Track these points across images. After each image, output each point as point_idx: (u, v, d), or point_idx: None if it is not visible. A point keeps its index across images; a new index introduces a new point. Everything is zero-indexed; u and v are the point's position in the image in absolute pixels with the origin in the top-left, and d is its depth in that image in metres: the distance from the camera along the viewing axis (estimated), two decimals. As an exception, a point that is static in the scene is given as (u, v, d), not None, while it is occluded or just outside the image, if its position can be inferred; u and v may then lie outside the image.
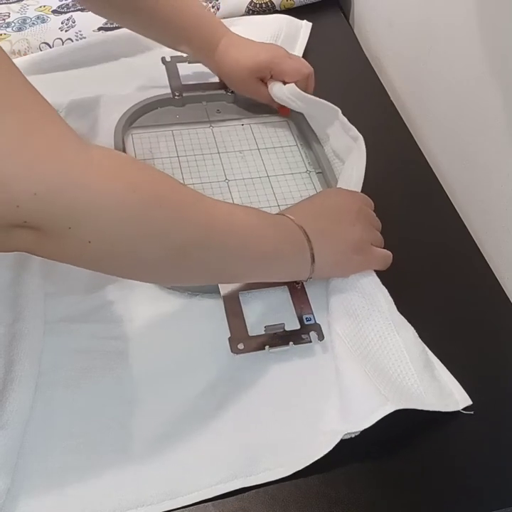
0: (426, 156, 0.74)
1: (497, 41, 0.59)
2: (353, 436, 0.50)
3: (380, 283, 0.58)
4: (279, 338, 0.56)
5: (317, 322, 0.57)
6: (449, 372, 0.55)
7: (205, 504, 0.48)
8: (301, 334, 0.56)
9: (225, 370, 0.54)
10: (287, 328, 0.56)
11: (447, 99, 0.71)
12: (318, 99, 0.72)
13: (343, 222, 0.57)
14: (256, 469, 0.49)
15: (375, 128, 0.74)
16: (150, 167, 0.47)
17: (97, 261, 0.45)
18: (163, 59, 0.82)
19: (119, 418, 0.51)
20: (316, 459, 0.49)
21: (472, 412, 0.52)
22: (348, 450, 0.50)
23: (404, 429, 0.52)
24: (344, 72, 0.81)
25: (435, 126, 0.75)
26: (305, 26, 0.87)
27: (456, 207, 0.69)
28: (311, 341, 0.56)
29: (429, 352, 0.56)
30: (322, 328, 0.57)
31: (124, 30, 0.84)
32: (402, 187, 0.69)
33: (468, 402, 0.53)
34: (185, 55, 0.82)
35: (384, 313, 0.56)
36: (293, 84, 0.73)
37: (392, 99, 0.81)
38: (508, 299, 0.62)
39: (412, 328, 0.56)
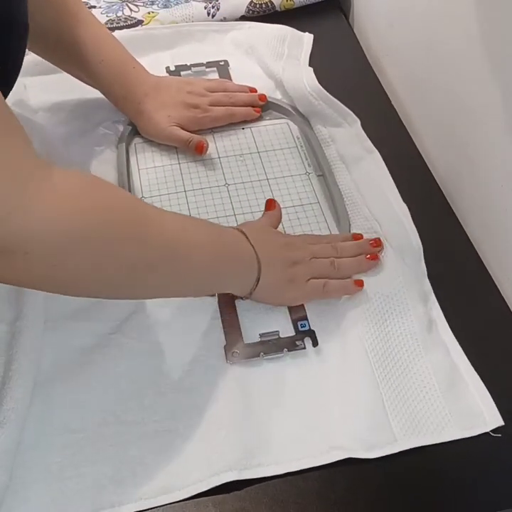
0: (424, 157, 0.74)
1: (497, 41, 0.59)
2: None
3: (417, 298, 0.58)
4: (273, 345, 0.56)
5: (312, 328, 0.58)
6: (484, 389, 0.54)
7: (206, 503, 0.49)
8: (295, 341, 0.57)
9: (221, 367, 0.55)
10: (282, 335, 0.57)
11: (447, 100, 0.70)
12: (338, 101, 0.74)
13: (287, 257, 0.58)
14: (250, 463, 0.50)
15: (373, 128, 0.74)
16: (110, 188, 0.48)
17: (61, 284, 0.45)
18: (167, 68, 0.83)
19: (117, 413, 0.53)
20: (312, 466, 0.50)
21: (500, 435, 0.51)
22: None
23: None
24: (344, 72, 0.81)
25: (434, 126, 0.74)
26: (307, 37, 0.87)
27: (454, 208, 0.69)
28: (305, 348, 0.56)
29: (466, 366, 0.55)
30: (317, 335, 0.57)
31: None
32: (401, 187, 0.68)
33: (499, 422, 0.51)
34: (189, 63, 0.83)
35: (415, 334, 0.56)
36: (314, 78, 0.77)
37: (391, 99, 0.81)
38: (505, 300, 0.61)
39: (447, 344, 0.56)
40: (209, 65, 0.83)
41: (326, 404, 0.53)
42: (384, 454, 0.50)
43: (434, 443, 0.51)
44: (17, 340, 0.54)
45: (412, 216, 0.65)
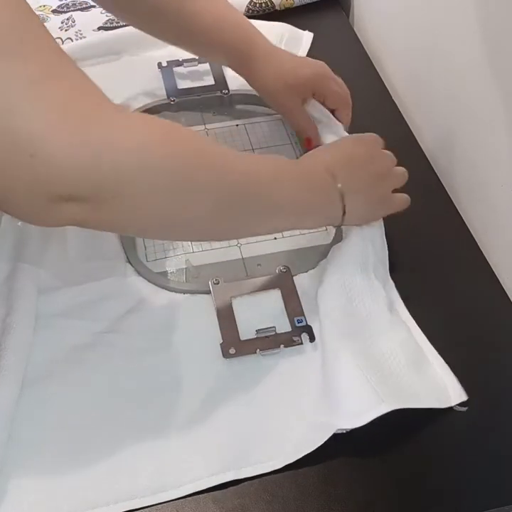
0: (427, 155, 0.74)
1: (498, 40, 0.59)
2: (344, 432, 0.49)
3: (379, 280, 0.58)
4: (270, 341, 0.56)
5: (308, 324, 0.57)
6: (446, 367, 0.54)
7: (205, 501, 0.48)
8: (292, 336, 0.56)
9: (217, 365, 0.55)
10: (279, 331, 0.57)
11: (448, 98, 0.70)
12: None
13: (375, 177, 0.58)
14: (248, 461, 0.49)
15: (376, 127, 0.71)
16: (183, 128, 0.49)
17: (147, 227, 0.45)
18: (159, 64, 0.82)
19: (112, 411, 0.52)
20: (308, 452, 0.49)
21: (466, 408, 0.52)
22: (347, 448, 0.50)
23: (403, 426, 0.52)
24: (345, 71, 0.79)
25: (435, 125, 0.74)
26: (307, 35, 0.87)
27: (456, 205, 0.69)
28: (302, 343, 0.56)
29: (427, 346, 0.55)
30: (313, 329, 0.57)
31: (124, 30, 0.85)
32: (403, 185, 0.68)
33: (463, 397, 0.52)
34: (181, 59, 0.82)
35: (381, 308, 0.56)
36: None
37: (392, 98, 0.80)
38: (508, 297, 0.62)
39: (407, 324, 0.56)
40: (201, 60, 0.82)
41: (314, 394, 0.53)
42: (373, 417, 0.48)
43: (416, 407, 0.50)
44: (6, 337, 0.53)
45: (413, 212, 0.65)
